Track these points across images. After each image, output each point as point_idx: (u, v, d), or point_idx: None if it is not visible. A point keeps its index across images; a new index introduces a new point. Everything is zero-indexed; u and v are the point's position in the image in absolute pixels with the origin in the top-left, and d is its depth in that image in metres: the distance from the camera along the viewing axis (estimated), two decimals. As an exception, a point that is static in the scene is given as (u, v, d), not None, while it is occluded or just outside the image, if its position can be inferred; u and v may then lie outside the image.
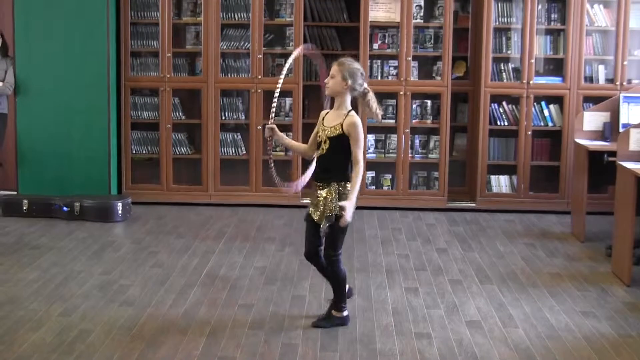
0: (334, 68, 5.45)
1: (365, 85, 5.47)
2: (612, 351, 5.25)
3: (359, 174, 5.37)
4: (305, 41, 9.34)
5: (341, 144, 5.42)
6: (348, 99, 5.44)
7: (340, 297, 5.62)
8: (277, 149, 9.56)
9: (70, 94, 9.07)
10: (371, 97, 5.49)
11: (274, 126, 5.75)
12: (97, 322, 5.63)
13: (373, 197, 9.26)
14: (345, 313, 5.62)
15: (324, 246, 5.57)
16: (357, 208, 9.32)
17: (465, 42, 9.70)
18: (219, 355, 5.09)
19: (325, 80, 5.55)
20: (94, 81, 9.10)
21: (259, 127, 9.26)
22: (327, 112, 5.56)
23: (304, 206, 9.26)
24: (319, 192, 5.49)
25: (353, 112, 5.42)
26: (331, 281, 5.65)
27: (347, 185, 5.45)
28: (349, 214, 5.36)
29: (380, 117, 5.63)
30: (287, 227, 8.45)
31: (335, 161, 5.48)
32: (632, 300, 6.29)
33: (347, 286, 5.68)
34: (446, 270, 7.03)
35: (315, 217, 5.50)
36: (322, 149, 5.48)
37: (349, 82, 5.36)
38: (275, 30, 9.53)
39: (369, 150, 9.45)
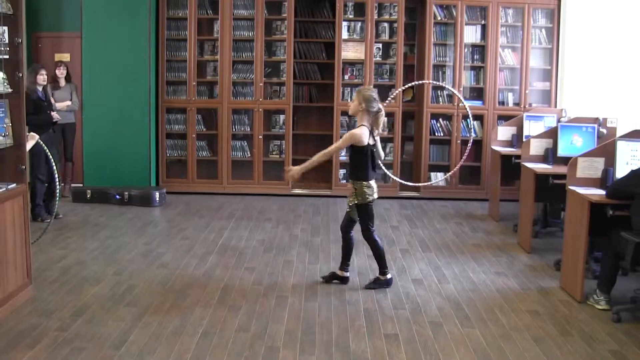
0: (355, 95, 5.41)
1: (380, 106, 5.36)
2: (517, 300, 5.31)
3: (322, 153, 5.39)
4: (294, 73, 9.35)
5: (352, 152, 5.41)
6: (364, 117, 5.34)
7: (380, 263, 5.57)
8: (274, 152, 9.56)
9: (122, 112, 9.05)
10: (381, 115, 5.37)
11: (291, 169, 5.49)
12: (141, 279, 5.64)
13: (344, 189, 9.26)
14: (389, 276, 5.58)
15: (361, 228, 5.53)
16: (332, 196, 9.33)
17: (412, 75, 9.71)
18: (230, 304, 5.10)
19: (348, 104, 5.54)
20: (139, 103, 9.07)
21: (260, 137, 9.27)
22: None
23: (295, 195, 9.32)
24: None
25: (362, 126, 5.33)
26: (372, 252, 5.60)
27: (360, 183, 5.38)
28: (290, 173, 5.45)
29: (382, 131, 5.46)
30: (280, 211, 8.45)
31: (351, 165, 5.49)
32: (532, 263, 6.35)
33: (388, 276, 5.60)
34: (397, 242, 7.06)
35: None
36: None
37: (363, 105, 5.31)
38: (273, 65, 9.51)
39: (342, 154, 9.43)
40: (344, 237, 5.66)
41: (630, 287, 5.42)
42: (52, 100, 8.31)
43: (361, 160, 5.36)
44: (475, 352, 4.32)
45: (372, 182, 5.44)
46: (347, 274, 5.65)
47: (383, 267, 5.58)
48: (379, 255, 5.56)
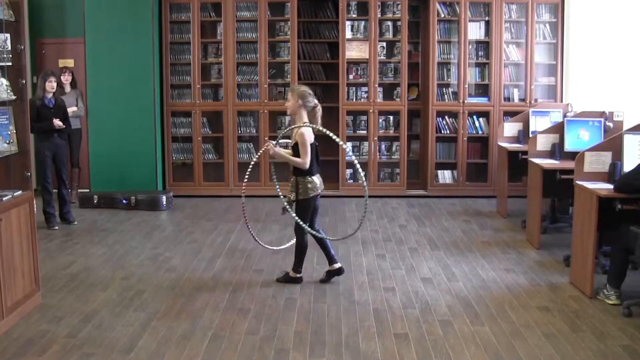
0: (289, 94, 5.45)
1: (315, 101, 5.44)
2: (526, 296, 5.29)
3: (299, 161, 5.34)
4: (299, 73, 9.34)
5: (296, 150, 5.43)
6: (303, 114, 5.40)
7: (297, 260, 5.63)
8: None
9: (127, 116, 9.06)
10: (318, 110, 5.44)
11: (271, 145, 5.53)
12: (149, 283, 5.64)
13: (351, 188, 9.28)
14: (299, 275, 5.63)
15: (295, 222, 5.56)
16: (340, 197, 9.33)
17: (416, 73, 9.70)
18: (239, 307, 5.10)
19: (285, 104, 5.54)
20: (144, 107, 9.08)
21: (266, 138, 9.24)
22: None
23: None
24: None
25: (305, 124, 5.37)
26: (295, 246, 5.64)
27: (304, 178, 5.43)
28: (270, 149, 5.44)
29: (319, 126, 5.43)
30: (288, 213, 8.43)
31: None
32: (540, 259, 6.32)
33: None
34: (406, 241, 7.04)
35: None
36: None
37: (300, 101, 5.37)
38: (277, 66, 9.50)
39: (348, 152, 9.42)
40: (313, 236, 5.64)
41: (641, 282, 5.40)
42: (73, 108, 8.42)
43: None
44: (485, 350, 4.29)
45: (316, 177, 5.49)
46: (338, 265, 5.68)
47: (297, 265, 5.63)
48: (299, 252, 5.61)
